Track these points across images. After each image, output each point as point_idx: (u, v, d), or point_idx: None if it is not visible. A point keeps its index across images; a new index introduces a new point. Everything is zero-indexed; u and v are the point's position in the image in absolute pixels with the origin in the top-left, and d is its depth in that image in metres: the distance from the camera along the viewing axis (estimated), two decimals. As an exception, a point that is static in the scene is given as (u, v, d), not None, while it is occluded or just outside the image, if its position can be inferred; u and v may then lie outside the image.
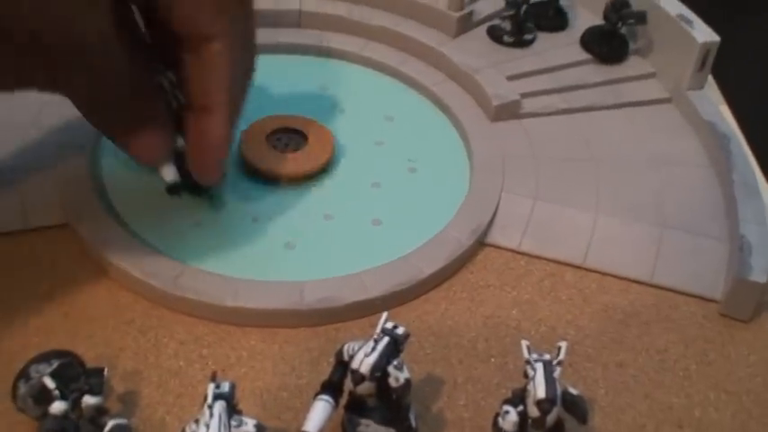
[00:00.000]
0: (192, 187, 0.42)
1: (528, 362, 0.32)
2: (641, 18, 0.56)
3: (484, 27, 0.58)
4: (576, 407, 0.32)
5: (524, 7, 0.56)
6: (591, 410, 0.36)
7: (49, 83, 0.35)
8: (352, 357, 0.31)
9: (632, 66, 0.57)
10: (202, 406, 0.29)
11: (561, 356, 0.32)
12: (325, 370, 0.33)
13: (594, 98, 0.54)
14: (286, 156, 0.46)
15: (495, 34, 0.57)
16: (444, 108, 0.53)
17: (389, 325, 0.32)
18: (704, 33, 0.52)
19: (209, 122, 0.39)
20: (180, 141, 0.41)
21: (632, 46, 0.57)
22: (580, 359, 0.39)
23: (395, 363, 0.31)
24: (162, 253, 0.41)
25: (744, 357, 0.40)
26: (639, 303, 0.42)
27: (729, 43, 0.53)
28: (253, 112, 0.46)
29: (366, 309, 0.39)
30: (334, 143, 0.48)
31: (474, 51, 0.55)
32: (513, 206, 0.46)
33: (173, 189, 0.41)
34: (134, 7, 0.39)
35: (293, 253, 0.42)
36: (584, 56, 0.56)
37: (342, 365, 0.32)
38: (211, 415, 0.29)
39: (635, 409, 0.37)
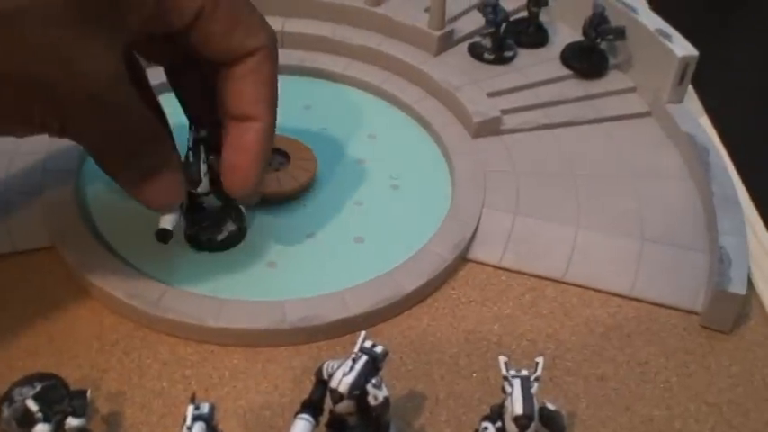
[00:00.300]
0: (201, 242, 0.43)
1: (505, 378, 0.32)
2: (620, 33, 0.56)
3: (465, 45, 0.58)
4: (553, 422, 0.32)
5: (504, 25, 0.56)
6: (572, 424, 0.37)
7: (57, 129, 0.35)
8: (331, 376, 0.32)
9: (612, 81, 0.57)
10: (182, 428, 0.29)
11: (538, 372, 0.32)
12: (308, 388, 0.33)
13: (575, 113, 0.54)
14: (269, 175, 0.47)
15: (475, 51, 0.57)
16: (426, 125, 0.53)
17: (368, 344, 0.32)
18: (683, 47, 0.53)
19: (254, 131, 0.39)
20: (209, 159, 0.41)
21: (612, 61, 0.58)
22: (561, 373, 0.39)
23: (373, 381, 0.31)
24: (145, 274, 0.41)
25: (725, 368, 0.40)
26: (620, 316, 0.42)
27: (710, 56, 0.54)
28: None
29: (348, 326, 0.40)
30: (317, 162, 0.48)
31: (455, 69, 0.56)
32: (494, 221, 0.46)
33: (163, 236, 0.39)
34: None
35: (275, 272, 0.43)
36: (565, 71, 0.57)
37: (322, 384, 0.32)
38: (191, 436, 0.29)
39: (616, 422, 0.37)
